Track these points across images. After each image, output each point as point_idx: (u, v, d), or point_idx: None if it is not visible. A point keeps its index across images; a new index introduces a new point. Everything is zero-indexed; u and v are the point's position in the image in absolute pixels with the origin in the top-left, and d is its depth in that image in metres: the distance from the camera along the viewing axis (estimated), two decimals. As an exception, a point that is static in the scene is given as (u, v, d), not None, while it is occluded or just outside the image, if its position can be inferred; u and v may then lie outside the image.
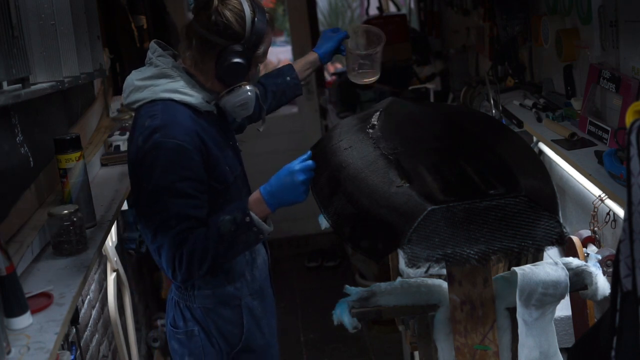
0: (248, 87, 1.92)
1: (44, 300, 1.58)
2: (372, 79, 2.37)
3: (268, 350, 2.13)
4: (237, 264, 2.01)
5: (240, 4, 1.86)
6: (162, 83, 1.88)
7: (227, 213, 1.80)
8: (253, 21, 1.86)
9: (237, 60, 1.86)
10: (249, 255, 2.06)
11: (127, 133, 2.84)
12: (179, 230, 1.78)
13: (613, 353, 1.11)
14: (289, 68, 2.36)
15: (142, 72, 1.93)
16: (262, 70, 2.17)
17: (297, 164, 1.83)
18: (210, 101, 1.94)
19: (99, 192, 2.35)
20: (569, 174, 2.46)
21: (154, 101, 1.86)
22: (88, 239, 1.93)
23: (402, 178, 1.62)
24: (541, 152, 2.69)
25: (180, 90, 1.87)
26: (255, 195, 1.84)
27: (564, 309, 2.00)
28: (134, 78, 1.92)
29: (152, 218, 1.81)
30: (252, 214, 1.80)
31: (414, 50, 5.02)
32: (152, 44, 1.95)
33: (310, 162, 1.84)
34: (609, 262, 1.93)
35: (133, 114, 1.96)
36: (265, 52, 1.95)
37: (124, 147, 2.76)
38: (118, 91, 3.47)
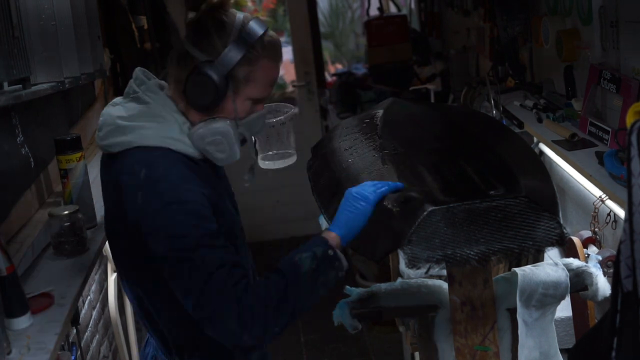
0: (226, 121, 1.57)
1: (45, 300, 1.58)
2: (281, 163, 1.87)
3: None
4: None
5: (233, 15, 1.57)
6: (153, 127, 1.55)
7: (300, 252, 1.50)
8: (239, 33, 1.54)
9: (206, 71, 1.53)
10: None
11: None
12: (233, 282, 1.42)
13: (613, 354, 1.11)
14: None
15: (126, 108, 1.59)
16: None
17: (371, 192, 1.56)
18: None
19: (100, 192, 2.35)
20: (569, 175, 2.46)
21: (142, 148, 1.53)
22: (88, 240, 1.93)
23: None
24: (541, 152, 2.69)
25: (175, 137, 1.56)
26: (324, 233, 1.56)
27: (564, 309, 2.00)
28: (115, 115, 1.57)
29: (191, 283, 1.44)
30: (333, 246, 1.51)
31: (414, 50, 5.02)
32: (137, 73, 1.63)
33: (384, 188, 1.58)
34: (609, 262, 1.93)
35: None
36: (258, 81, 1.58)
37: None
38: (119, 92, 3.47)
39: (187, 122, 1.59)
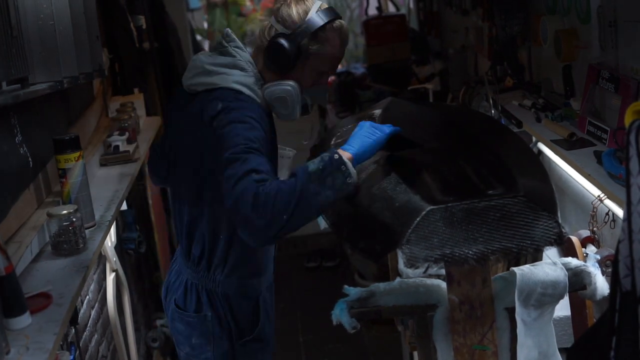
0: (291, 83, 1.89)
1: (43, 300, 1.58)
2: None
3: (272, 339, 2.17)
4: (265, 257, 2.07)
5: (312, 2, 1.89)
6: (235, 74, 1.89)
7: (311, 159, 1.75)
8: (316, 13, 1.87)
9: (281, 40, 1.86)
10: (274, 251, 2.12)
11: (127, 133, 2.84)
12: (260, 178, 1.69)
13: (612, 353, 1.11)
14: None
15: (214, 57, 1.93)
16: None
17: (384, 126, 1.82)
18: None
19: (98, 192, 2.35)
20: (568, 174, 2.46)
21: (222, 88, 1.87)
22: (87, 239, 1.93)
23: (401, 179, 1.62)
24: (540, 152, 2.69)
25: (251, 86, 1.89)
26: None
27: (563, 309, 2.00)
28: (205, 61, 1.92)
29: (233, 172, 1.71)
30: (340, 153, 1.72)
31: (413, 50, 5.02)
32: (227, 31, 1.98)
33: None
34: (608, 262, 1.94)
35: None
36: (325, 56, 1.90)
37: (123, 147, 2.75)
38: (117, 91, 3.47)
39: (261, 79, 1.92)
